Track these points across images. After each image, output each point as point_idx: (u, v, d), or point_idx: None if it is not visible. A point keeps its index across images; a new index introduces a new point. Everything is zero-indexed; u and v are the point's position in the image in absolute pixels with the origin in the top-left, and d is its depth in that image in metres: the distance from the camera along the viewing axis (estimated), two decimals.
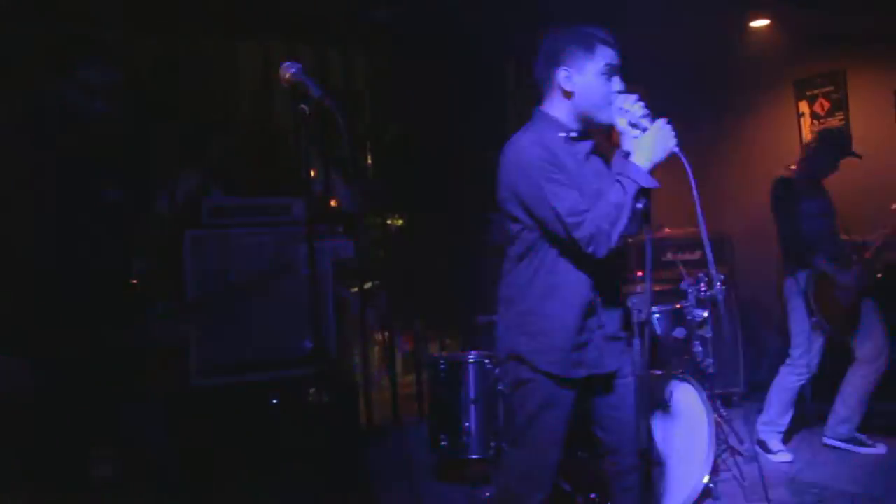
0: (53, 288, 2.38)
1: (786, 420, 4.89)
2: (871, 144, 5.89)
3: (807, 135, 6.33)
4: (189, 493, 2.72)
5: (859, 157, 4.92)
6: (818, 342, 4.81)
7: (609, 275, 2.67)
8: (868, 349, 4.73)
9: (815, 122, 6.29)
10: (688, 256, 6.08)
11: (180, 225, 4.09)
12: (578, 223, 2.46)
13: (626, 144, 2.55)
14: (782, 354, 4.98)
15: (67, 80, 2.39)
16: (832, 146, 4.88)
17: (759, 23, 6.23)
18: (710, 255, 2.58)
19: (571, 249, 2.53)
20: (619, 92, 2.59)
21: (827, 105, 6.26)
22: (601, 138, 2.69)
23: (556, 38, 2.68)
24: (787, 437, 5.02)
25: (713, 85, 6.81)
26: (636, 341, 2.40)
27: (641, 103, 2.50)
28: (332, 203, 5.98)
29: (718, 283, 4.69)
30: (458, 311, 5.35)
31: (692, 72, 6.72)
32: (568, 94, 2.64)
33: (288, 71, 2.19)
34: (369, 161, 6.21)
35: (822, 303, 4.71)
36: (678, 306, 4.58)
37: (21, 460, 2.42)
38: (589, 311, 2.62)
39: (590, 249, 2.46)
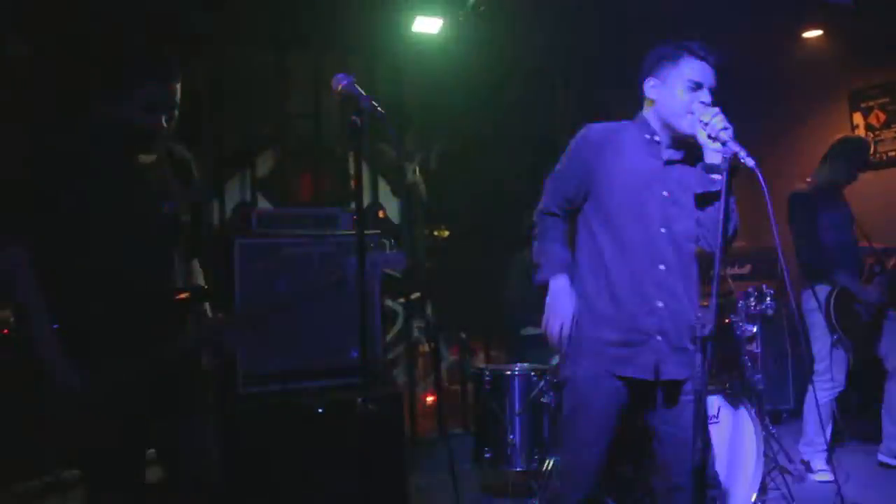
0: (115, 297, 2.43)
1: (823, 438, 4.73)
2: None
3: None
4: (236, 502, 2.74)
5: (873, 169, 4.92)
6: (842, 356, 4.69)
7: (679, 281, 2.66)
8: None
9: (870, 133, 6.18)
10: (737, 270, 6.01)
11: (229, 233, 4.15)
12: (541, 212, 2.81)
13: (707, 157, 2.56)
14: None
15: (131, 98, 2.43)
16: (849, 156, 4.77)
17: (813, 33, 6.14)
18: (786, 274, 2.57)
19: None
20: (702, 104, 2.58)
21: (883, 117, 6.14)
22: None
23: (652, 52, 2.76)
24: (834, 456, 4.92)
25: (767, 96, 6.72)
26: (697, 356, 2.37)
27: (722, 117, 2.48)
28: (381, 214, 6.03)
29: (768, 299, 4.61)
30: (504, 322, 5.34)
31: (746, 83, 6.65)
32: (652, 101, 2.72)
33: (340, 83, 2.22)
34: (417, 173, 6.24)
35: (843, 318, 4.60)
36: (727, 321, 4.52)
37: (76, 464, 2.45)
38: (645, 311, 2.61)
39: (528, 225, 2.82)
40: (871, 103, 6.20)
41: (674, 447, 2.66)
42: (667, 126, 2.70)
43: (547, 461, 3.99)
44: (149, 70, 2.44)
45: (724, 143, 2.44)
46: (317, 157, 5.63)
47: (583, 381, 2.64)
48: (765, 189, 2.34)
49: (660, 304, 2.62)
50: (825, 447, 4.72)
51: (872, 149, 6.15)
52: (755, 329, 4.60)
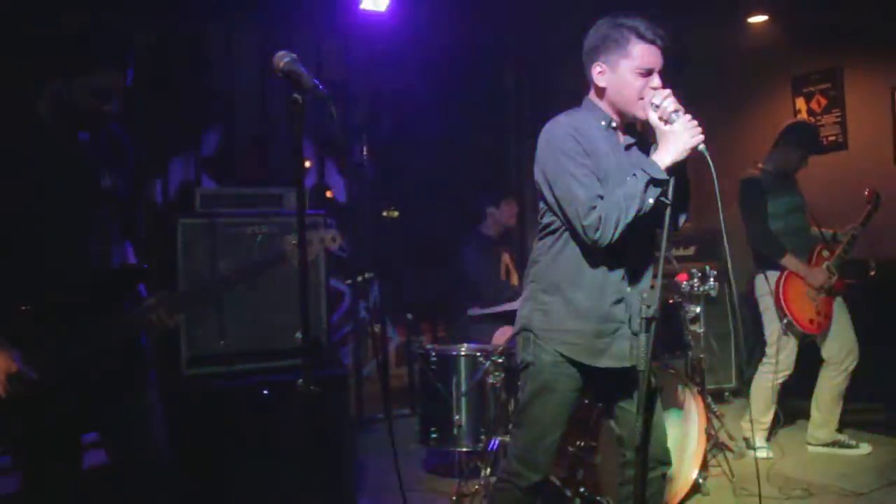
0: (54, 277, 2.38)
1: (768, 418, 4.88)
2: (866, 142, 5.90)
3: None
4: (180, 483, 2.71)
5: (823, 153, 4.95)
6: (792, 341, 4.77)
7: (642, 268, 2.68)
8: (834, 350, 4.72)
9: (812, 118, 6.28)
10: (681, 252, 6.09)
11: (172, 213, 4.08)
12: (589, 209, 2.48)
13: (659, 139, 2.54)
14: None
15: (80, 85, 2.38)
16: (801, 141, 4.80)
17: (757, 19, 6.22)
18: (728, 254, 2.59)
19: (582, 239, 2.55)
20: (653, 87, 2.57)
21: (824, 102, 6.25)
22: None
23: (596, 34, 2.67)
24: (774, 435, 5.03)
25: (712, 80, 6.80)
26: (642, 336, 2.40)
27: (672, 99, 2.48)
28: (328, 194, 5.98)
29: (711, 279, 4.67)
30: (450, 303, 5.34)
31: (690, 68, 6.72)
32: (602, 88, 2.67)
33: (282, 59, 2.18)
34: (365, 153, 6.19)
35: (792, 302, 4.67)
36: (671, 301, 4.58)
37: (15, 451, 2.41)
38: (614, 301, 2.62)
39: (595, 235, 2.48)
40: (812, 88, 6.30)
41: (630, 428, 2.69)
42: (618, 111, 2.67)
43: (493, 440, 4.02)
44: (97, 55, 2.39)
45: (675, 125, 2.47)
46: (263, 135, 5.56)
47: (548, 365, 2.64)
48: (714, 173, 2.37)
49: (628, 290, 2.64)
50: (767, 426, 4.86)
51: None
52: (698, 309, 4.66)
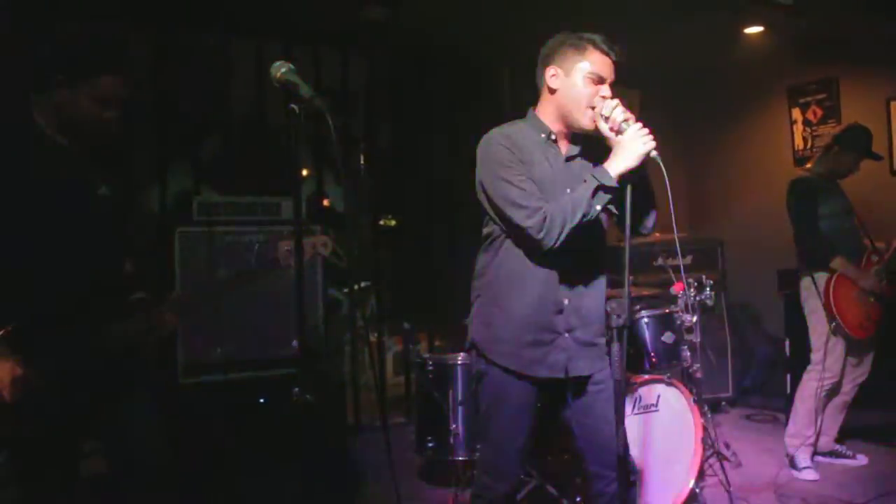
0: (55, 284, 2.39)
1: (812, 431, 4.62)
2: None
3: (799, 142, 6.35)
4: (177, 490, 2.71)
5: (880, 158, 4.78)
6: (840, 345, 4.57)
7: (584, 278, 2.70)
8: (853, 361, 4.67)
9: (808, 129, 6.31)
10: (678, 261, 6.11)
11: (170, 222, 4.10)
12: (532, 211, 2.50)
13: (612, 149, 2.55)
14: (771, 360, 4.98)
15: (81, 92, 2.40)
16: (860, 145, 4.66)
17: (753, 29, 6.25)
18: (679, 260, 2.61)
19: (526, 242, 2.57)
20: (602, 97, 2.59)
21: (819, 112, 6.28)
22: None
23: (553, 40, 2.73)
24: (770, 445, 5.04)
25: (707, 91, 6.84)
26: (615, 346, 2.41)
27: (621, 108, 2.50)
28: (325, 203, 5.99)
29: (707, 289, 4.68)
30: (447, 312, 5.35)
31: (687, 78, 6.75)
32: (552, 91, 2.69)
33: (279, 70, 2.19)
34: (362, 162, 6.21)
35: (841, 306, 4.52)
36: (667, 311, 4.58)
37: (13, 456, 2.42)
38: (554, 311, 2.64)
39: (539, 236, 2.49)
40: (808, 99, 6.33)
41: (585, 438, 2.73)
42: (564, 118, 2.70)
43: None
44: (99, 62, 2.40)
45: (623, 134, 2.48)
46: (261, 144, 5.56)
47: (497, 376, 2.67)
48: (666, 180, 2.36)
49: (566, 302, 2.65)
50: (812, 441, 4.64)
51: (809, 143, 6.30)
52: (695, 319, 4.66)
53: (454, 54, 6.16)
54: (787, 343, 5.59)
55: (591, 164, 2.71)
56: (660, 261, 5.70)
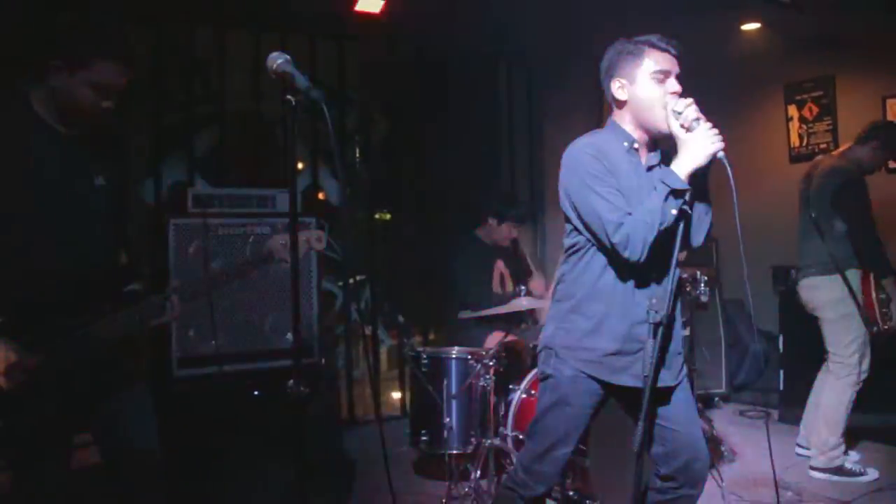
0: (51, 275, 2.38)
1: (842, 438, 4.47)
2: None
3: (795, 139, 6.35)
4: (170, 483, 2.71)
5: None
6: (868, 347, 4.43)
7: (664, 286, 2.63)
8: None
9: (804, 126, 6.31)
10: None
11: (165, 213, 4.09)
12: (617, 227, 2.47)
13: (679, 147, 2.53)
14: (765, 357, 4.97)
15: (80, 80, 2.38)
16: (889, 143, 4.53)
17: (751, 26, 6.25)
18: (745, 268, 2.57)
19: (616, 255, 2.53)
20: (674, 94, 2.57)
21: (816, 110, 6.27)
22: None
23: (610, 51, 2.70)
24: (763, 440, 5.02)
25: (703, 87, 6.80)
26: (650, 341, 2.40)
27: (694, 107, 2.49)
28: (321, 196, 5.98)
29: (702, 285, 4.68)
30: (442, 306, 5.35)
31: (683, 74, 6.73)
32: (621, 104, 2.67)
33: (275, 61, 2.18)
34: (358, 155, 6.20)
35: (874, 303, 4.37)
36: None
37: (5, 450, 2.41)
38: (640, 321, 2.57)
39: (626, 254, 2.47)
40: (804, 96, 6.32)
41: (667, 440, 2.69)
42: (642, 126, 2.66)
43: (483, 444, 4.02)
44: (101, 50, 2.39)
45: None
46: (256, 136, 5.55)
47: (567, 379, 2.65)
48: (732, 180, 2.39)
49: (655, 312, 2.59)
50: (843, 447, 4.49)
51: (805, 140, 6.30)
52: (689, 314, 4.67)
53: (450, 48, 6.15)
54: (781, 339, 5.60)
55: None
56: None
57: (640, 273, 2.59)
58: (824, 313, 4.52)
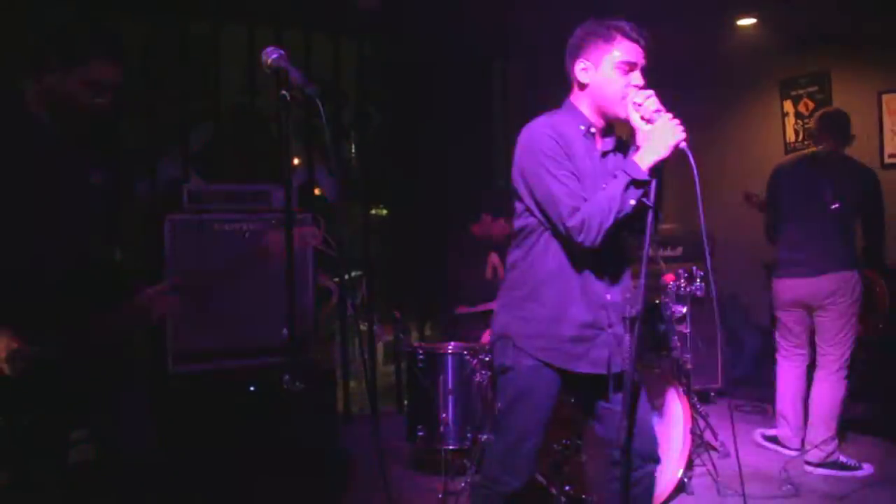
0: (46, 272, 2.38)
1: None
2: (854, 145, 5.94)
3: (791, 134, 6.37)
4: (166, 479, 2.72)
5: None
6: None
7: (619, 272, 2.66)
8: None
9: (799, 121, 6.33)
10: (668, 252, 6.11)
11: (160, 209, 4.08)
12: (573, 210, 2.46)
13: (640, 140, 2.52)
14: (762, 351, 4.97)
15: (75, 78, 2.37)
16: (844, 128, 4.71)
17: (747, 21, 6.25)
18: (707, 255, 2.57)
19: (567, 241, 2.53)
20: (635, 86, 2.56)
21: (811, 105, 6.29)
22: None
23: (581, 31, 2.67)
24: (749, 433, 5.06)
25: (699, 83, 6.83)
26: (626, 336, 2.40)
27: (654, 98, 2.48)
28: (316, 192, 5.97)
29: (697, 280, 4.69)
30: (438, 301, 5.35)
31: (679, 70, 6.73)
32: (585, 85, 2.65)
33: (270, 56, 2.18)
34: (353, 151, 6.19)
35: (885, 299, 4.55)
36: (657, 302, 4.59)
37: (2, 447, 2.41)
38: (597, 306, 2.60)
39: (580, 238, 2.46)
40: (800, 91, 6.34)
41: (613, 425, 2.67)
42: (600, 111, 2.65)
43: (479, 439, 4.02)
44: (96, 48, 2.38)
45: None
46: (251, 132, 5.55)
47: (528, 370, 2.62)
48: (695, 172, 2.36)
49: (608, 297, 2.63)
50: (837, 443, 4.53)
51: (801, 136, 6.31)
52: (685, 310, 4.67)
53: (446, 44, 6.14)
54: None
55: (620, 157, 2.69)
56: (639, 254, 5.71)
57: (595, 258, 2.57)
58: (833, 308, 4.52)
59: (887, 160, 5.68)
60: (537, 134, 2.59)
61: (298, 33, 5.68)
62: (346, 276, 5.86)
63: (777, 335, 4.92)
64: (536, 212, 2.61)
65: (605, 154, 2.70)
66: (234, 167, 5.53)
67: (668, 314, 4.54)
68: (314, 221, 4.04)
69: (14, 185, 2.35)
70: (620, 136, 2.74)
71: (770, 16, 6.12)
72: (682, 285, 4.64)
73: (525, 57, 6.52)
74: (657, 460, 2.78)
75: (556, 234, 2.58)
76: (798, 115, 6.35)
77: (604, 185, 2.54)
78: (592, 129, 2.66)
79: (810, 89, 6.28)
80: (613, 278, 2.64)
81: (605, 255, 2.57)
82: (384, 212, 6.68)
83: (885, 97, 5.74)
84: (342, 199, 6.02)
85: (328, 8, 5.46)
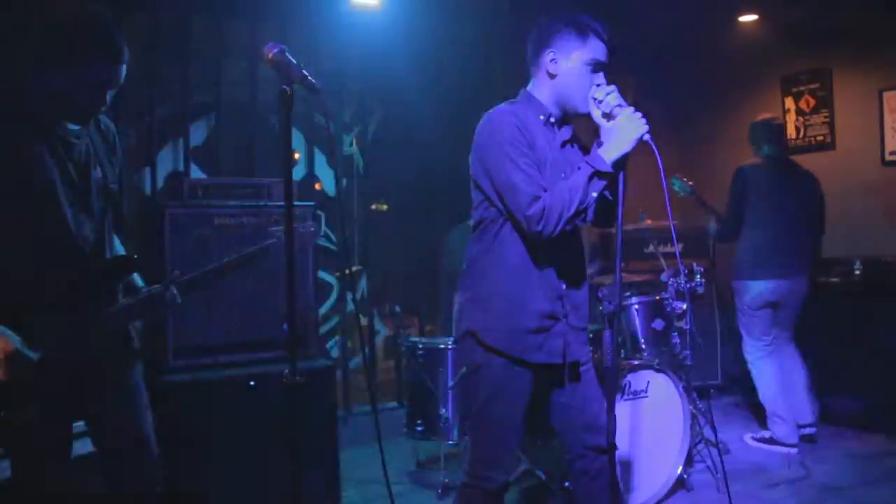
0: (49, 267, 2.38)
1: None
2: (854, 142, 5.94)
3: (792, 131, 6.36)
4: (165, 472, 2.72)
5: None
6: None
7: (575, 264, 2.70)
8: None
9: (800, 118, 6.32)
10: (669, 249, 6.11)
11: (160, 203, 4.07)
12: (533, 199, 2.46)
13: (603, 136, 2.55)
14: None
15: (78, 76, 2.37)
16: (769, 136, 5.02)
17: (748, 18, 6.25)
18: (676, 247, 2.60)
19: (523, 230, 2.53)
20: (598, 84, 2.59)
21: (812, 102, 6.28)
22: (590, 134, 2.68)
23: (552, 20, 2.68)
24: (758, 432, 5.07)
25: (701, 79, 6.83)
26: (607, 332, 2.42)
27: (616, 94, 2.51)
28: (317, 186, 5.96)
29: (698, 276, 4.69)
30: (438, 296, 5.35)
31: (681, 66, 6.73)
32: (551, 76, 2.66)
33: (272, 51, 2.18)
34: (354, 145, 6.18)
35: None
36: (658, 298, 4.60)
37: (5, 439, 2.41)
38: (554, 297, 2.63)
39: (538, 227, 2.46)
40: (801, 88, 6.33)
41: (571, 417, 2.74)
42: (562, 104, 2.67)
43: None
44: (97, 47, 2.37)
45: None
46: (252, 126, 5.53)
47: (499, 367, 2.62)
48: (660, 162, 2.38)
49: (563, 288, 2.65)
50: None
51: (802, 132, 6.30)
52: (685, 306, 4.67)
53: (446, 38, 6.12)
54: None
55: (578, 149, 2.72)
56: (651, 248, 5.72)
57: (553, 249, 2.59)
58: (799, 302, 4.93)
59: (888, 157, 5.68)
60: (500, 121, 2.60)
61: (300, 27, 5.67)
62: (347, 271, 5.86)
63: (749, 338, 5.04)
64: (496, 200, 2.60)
65: (563, 144, 2.72)
66: (235, 161, 5.52)
67: (668, 310, 4.55)
68: (315, 216, 4.05)
69: (15, 182, 2.35)
70: (576, 129, 2.76)
71: (771, 12, 6.12)
72: (683, 281, 4.65)
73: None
74: (609, 451, 2.67)
75: (515, 225, 2.57)
76: (799, 112, 6.34)
77: (563, 175, 2.57)
78: (552, 119, 2.69)
79: (811, 86, 6.27)
80: (568, 269, 2.66)
81: (563, 246, 2.60)
82: (385, 207, 6.66)
83: (886, 94, 5.73)
84: (343, 193, 6.01)
85: (330, 2, 5.45)
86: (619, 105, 2.48)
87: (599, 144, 2.53)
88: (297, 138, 5.72)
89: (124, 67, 2.44)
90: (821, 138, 6.17)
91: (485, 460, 2.69)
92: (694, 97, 6.89)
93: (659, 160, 2.38)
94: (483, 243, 2.69)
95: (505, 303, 2.62)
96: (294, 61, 2.18)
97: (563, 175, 2.57)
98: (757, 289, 4.83)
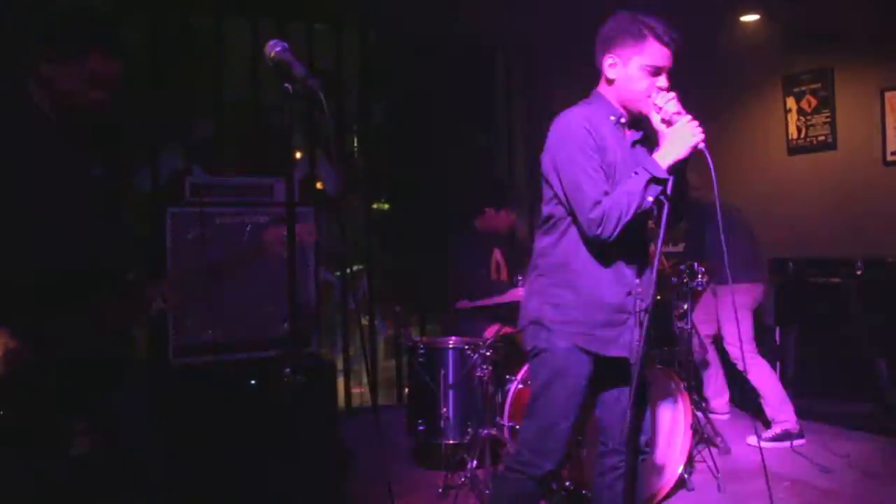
0: (47, 266, 2.37)
1: None
2: (856, 142, 5.93)
3: (793, 131, 6.34)
4: (165, 471, 2.72)
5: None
6: None
7: (643, 260, 2.73)
8: None
9: (802, 118, 6.30)
10: (670, 248, 6.10)
11: (161, 202, 4.08)
12: (595, 203, 2.52)
13: (661, 140, 2.59)
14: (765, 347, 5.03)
15: (74, 71, 2.36)
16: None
17: (750, 17, 6.24)
18: (727, 256, 2.71)
19: (583, 232, 2.59)
20: (660, 89, 2.62)
21: (814, 102, 6.26)
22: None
23: (614, 23, 2.71)
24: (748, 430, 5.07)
25: (702, 79, 6.81)
26: (636, 329, 2.45)
27: (675, 101, 2.55)
28: (318, 185, 5.97)
29: (699, 276, 4.69)
30: (439, 296, 5.35)
31: (682, 66, 6.72)
32: (609, 81, 2.71)
33: (273, 49, 2.17)
34: (356, 144, 6.19)
35: None
36: (659, 297, 4.60)
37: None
38: (625, 292, 2.66)
39: (597, 231, 2.52)
40: (803, 88, 6.32)
41: (615, 412, 2.77)
42: (625, 105, 2.71)
43: (479, 433, 4.03)
44: (94, 40, 2.37)
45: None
46: (253, 125, 5.54)
47: (562, 351, 2.66)
48: (713, 172, 2.43)
49: (636, 282, 2.68)
50: None
51: (804, 132, 6.29)
52: (686, 305, 4.67)
53: (449, 37, 6.13)
54: (778, 331, 5.61)
55: (646, 150, 2.74)
56: (651, 247, 5.70)
57: (625, 246, 2.62)
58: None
59: (889, 157, 5.67)
60: (573, 125, 2.65)
61: (301, 26, 5.67)
62: (348, 270, 5.87)
63: (746, 340, 5.05)
64: (564, 200, 2.66)
65: (634, 144, 2.76)
66: (236, 160, 5.53)
67: (670, 309, 4.56)
68: (316, 215, 4.05)
69: (13, 178, 2.34)
70: (649, 129, 2.77)
71: (773, 12, 6.11)
72: (684, 280, 4.64)
73: (527, 49, 6.51)
74: (644, 452, 2.85)
75: (577, 225, 2.63)
76: (800, 112, 6.32)
77: (634, 174, 2.60)
78: (623, 119, 2.74)
79: (813, 86, 6.26)
80: (640, 266, 2.72)
81: (633, 243, 2.65)
82: (386, 206, 6.67)
83: (887, 94, 5.72)
84: (344, 192, 6.01)
85: (331, 1, 5.46)
86: (678, 112, 2.52)
87: (658, 148, 2.57)
88: (298, 137, 5.72)
89: (120, 62, 2.43)
90: (822, 138, 6.15)
91: (534, 446, 2.72)
92: (695, 97, 6.86)
93: (712, 167, 2.43)
94: (553, 237, 2.74)
95: (577, 296, 2.66)
96: (296, 59, 2.17)
97: (634, 174, 2.60)
98: (752, 292, 5.01)
